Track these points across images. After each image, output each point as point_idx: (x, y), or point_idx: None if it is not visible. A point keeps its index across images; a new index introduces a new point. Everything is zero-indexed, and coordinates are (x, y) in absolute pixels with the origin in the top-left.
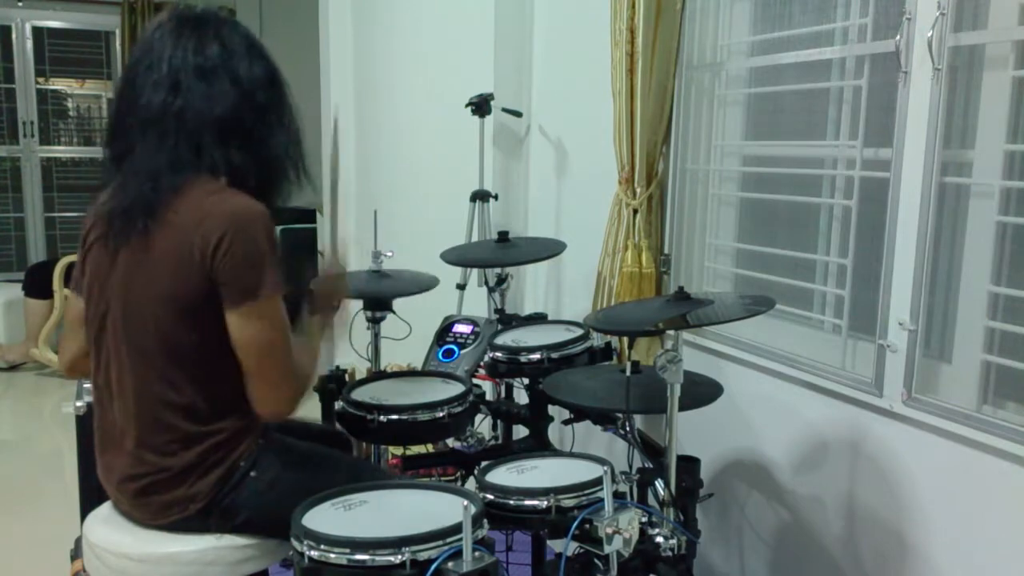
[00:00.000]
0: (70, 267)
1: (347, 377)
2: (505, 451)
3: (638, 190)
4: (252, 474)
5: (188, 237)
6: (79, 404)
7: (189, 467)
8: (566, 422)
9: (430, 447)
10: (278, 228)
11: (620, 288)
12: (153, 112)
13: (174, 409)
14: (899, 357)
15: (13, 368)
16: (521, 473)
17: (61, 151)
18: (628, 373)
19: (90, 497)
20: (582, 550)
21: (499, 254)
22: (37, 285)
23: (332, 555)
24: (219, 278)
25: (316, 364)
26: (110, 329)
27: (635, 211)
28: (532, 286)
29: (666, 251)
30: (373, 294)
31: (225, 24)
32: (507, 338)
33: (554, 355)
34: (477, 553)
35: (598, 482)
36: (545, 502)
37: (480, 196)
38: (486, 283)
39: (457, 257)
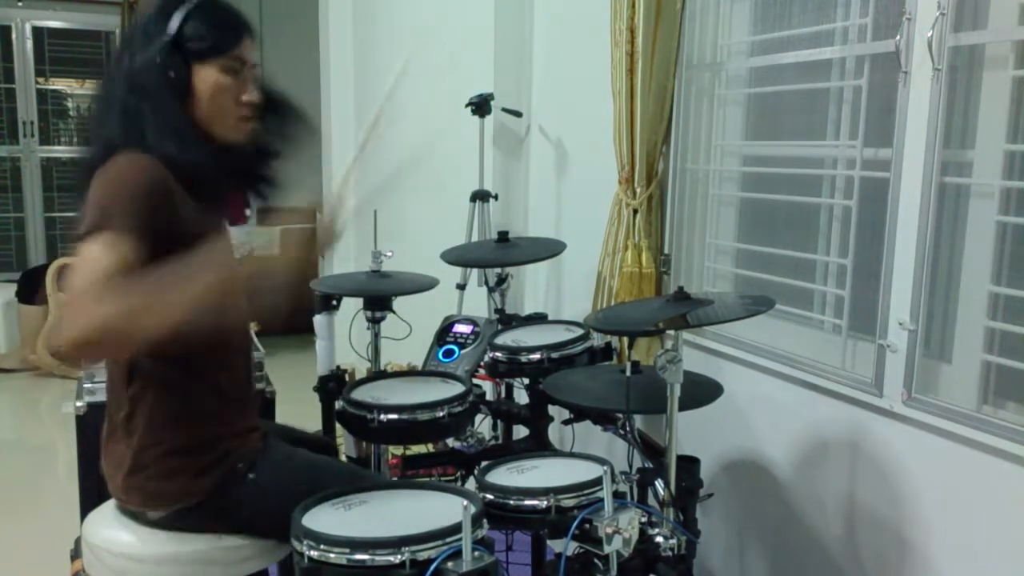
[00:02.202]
0: (62, 270)
1: (347, 377)
2: (505, 451)
3: (638, 190)
4: (250, 476)
5: None
6: (79, 404)
7: (181, 449)
8: (566, 422)
9: (430, 447)
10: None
11: (620, 288)
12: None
13: (159, 389)
14: (899, 357)
15: (12, 368)
16: (521, 473)
17: (61, 151)
18: (628, 373)
19: (90, 497)
20: (582, 550)
21: (499, 254)
22: (31, 291)
23: (332, 555)
24: None
25: (134, 313)
26: None
27: (635, 211)
28: (532, 286)
29: (666, 251)
30: (373, 294)
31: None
32: (507, 338)
33: (554, 355)
34: (477, 553)
35: (598, 482)
36: (545, 502)
37: (480, 196)
38: (486, 283)
39: (457, 257)
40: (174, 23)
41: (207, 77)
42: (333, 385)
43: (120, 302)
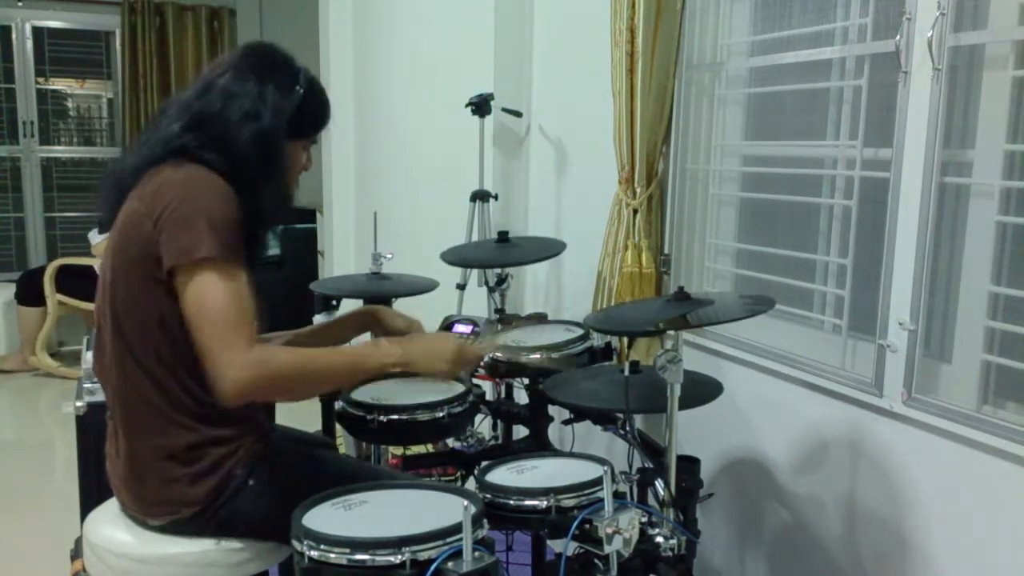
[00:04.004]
0: (60, 270)
1: None
2: (505, 451)
3: (638, 190)
4: (250, 483)
5: (139, 206)
6: (79, 404)
7: (176, 455)
8: (566, 422)
9: (430, 447)
10: (279, 227)
11: (620, 288)
12: (164, 118)
13: (150, 393)
14: (899, 357)
15: (12, 370)
16: (521, 473)
17: (61, 151)
18: (627, 373)
19: (90, 497)
20: (582, 550)
21: (499, 254)
22: (29, 293)
23: (332, 555)
24: (160, 240)
25: (308, 372)
26: (99, 311)
27: (635, 211)
28: (532, 286)
29: (666, 251)
30: (372, 296)
31: (266, 62)
32: (507, 338)
33: (554, 355)
34: (477, 553)
35: (598, 482)
36: (545, 502)
37: (480, 196)
38: (486, 283)
39: (457, 257)
40: (294, 100)
41: (294, 154)
42: None
43: (295, 362)
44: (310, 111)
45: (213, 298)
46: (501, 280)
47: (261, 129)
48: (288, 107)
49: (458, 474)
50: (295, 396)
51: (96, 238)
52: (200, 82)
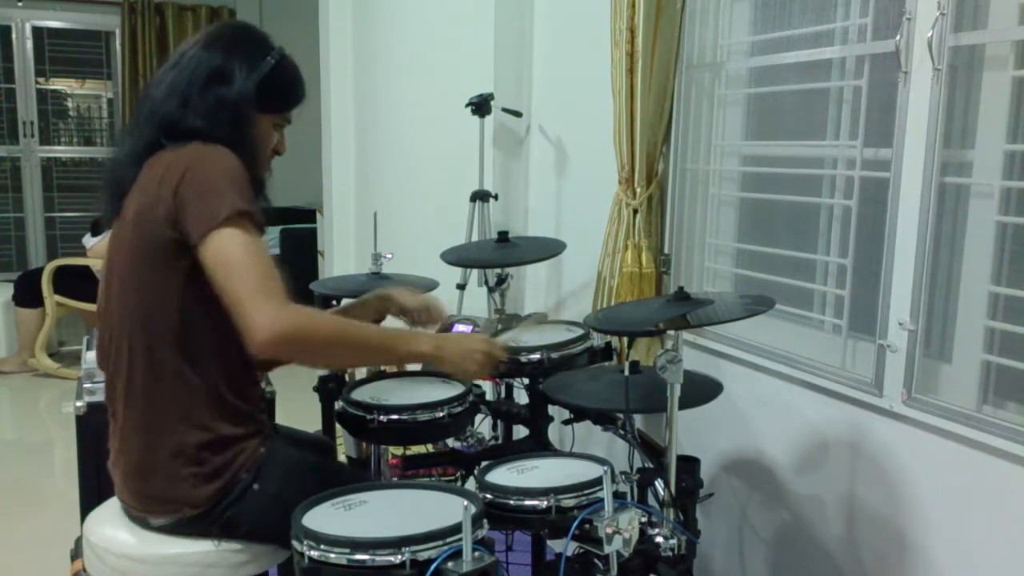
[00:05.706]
0: (58, 271)
1: (347, 377)
2: (505, 451)
3: (638, 190)
4: (255, 486)
5: (151, 193)
6: (79, 404)
7: (187, 454)
8: (566, 422)
9: (430, 447)
10: (278, 227)
11: (620, 288)
12: (145, 98)
13: (173, 389)
14: (899, 357)
15: (11, 371)
16: (521, 473)
17: (61, 151)
18: (627, 373)
19: (90, 497)
20: (582, 550)
21: (499, 254)
22: (27, 294)
23: (332, 555)
24: (180, 216)
25: (342, 338)
26: (105, 305)
27: (635, 211)
28: (532, 286)
29: (666, 251)
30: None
31: (223, 37)
32: (507, 338)
33: (554, 355)
34: (477, 553)
35: (598, 482)
36: (545, 502)
37: (480, 196)
38: (486, 283)
39: (457, 257)
40: (263, 70)
41: (265, 129)
42: (333, 385)
43: (334, 326)
44: (281, 83)
45: (242, 252)
46: (501, 280)
47: (227, 94)
48: (256, 76)
49: (458, 474)
50: (323, 361)
51: (90, 242)
52: (174, 56)
